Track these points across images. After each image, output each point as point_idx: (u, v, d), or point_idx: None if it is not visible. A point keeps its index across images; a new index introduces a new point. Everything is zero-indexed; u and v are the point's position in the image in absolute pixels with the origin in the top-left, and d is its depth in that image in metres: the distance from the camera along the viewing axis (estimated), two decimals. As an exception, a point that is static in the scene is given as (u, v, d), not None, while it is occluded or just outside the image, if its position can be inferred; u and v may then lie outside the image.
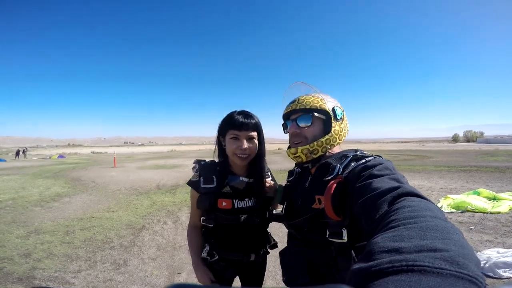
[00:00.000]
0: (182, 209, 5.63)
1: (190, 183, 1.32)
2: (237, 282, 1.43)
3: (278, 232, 3.86)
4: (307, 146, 1.01)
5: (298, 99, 1.06)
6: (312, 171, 1.08)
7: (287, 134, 1.16)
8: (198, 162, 1.37)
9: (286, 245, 1.20)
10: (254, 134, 1.25)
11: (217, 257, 1.26)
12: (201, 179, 1.27)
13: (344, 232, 0.84)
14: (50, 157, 26.48)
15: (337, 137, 1.03)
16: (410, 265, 0.29)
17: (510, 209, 4.84)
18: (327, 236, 0.88)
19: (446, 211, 4.98)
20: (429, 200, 0.53)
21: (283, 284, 1.15)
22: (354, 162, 0.90)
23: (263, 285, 2.39)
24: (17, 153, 28.73)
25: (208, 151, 37.49)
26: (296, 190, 1.14)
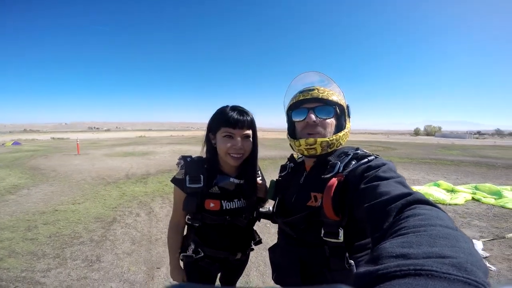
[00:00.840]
0: (155, 199, 5.44)
1: (175, 181, 1.24)
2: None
3: (260, 224, 3.86)
4: (327, 139, 0.96)
5: (318, 89, 1.00)
6: (308, 168, 1.05)
7: (288, 124, 1.11)
8: (184, 158, 1.28)
9: (269, 240, 1.19)
10: (249, 132, 1.18)
11: (202, 254, 1.23)
12: (187, 177, 1.19)
13: (341, 232, 0.83)
14: (3, 144, 24.14)
15: (348, 133, 1.02)
16: (417, 269, 0.29)
17: (465, 201, 5.30)
18: (322, 235, 0.86)
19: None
20: (440, 209, 0.53)
21: (270, 280, 1.16)
22: (355, 161, 0.88)
23: (248, 277, 2.44)
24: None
25: (181, 138, 36.49)
26: (289, 186, 1.11)
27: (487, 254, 3.09)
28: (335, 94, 1.01)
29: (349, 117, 1.04)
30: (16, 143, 24.86)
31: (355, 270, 0.81)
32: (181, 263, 1.33)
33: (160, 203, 5.19)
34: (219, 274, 1.43)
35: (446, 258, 0.32)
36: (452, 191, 5.99)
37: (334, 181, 0.83)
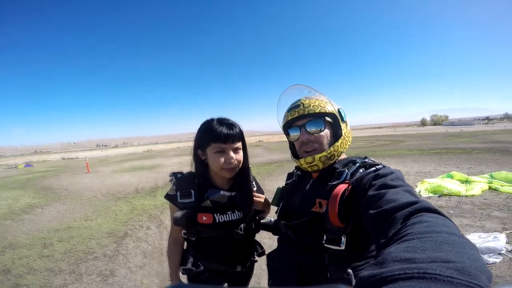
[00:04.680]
0: (164, 212, 5.47)
1: (168, 197, 1.24)
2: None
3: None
4: (325, 153, 0.95)
5: (303, 104, 0.98)
6: (314, 175, 1.04)
7: (289, 144, 1.11)
8: (174, 174, 1.28)
9: (272, 248, 1.17)
10: (239, 144, 1.18)
11: (202, 267, 1.22)
12: (178, 193, 1.19)
13: (343, 239, 0.81)
14: (16, 167, 24.69)
15: (347, 139, 0.99)
16: (421, 272, 0.30)
17: (482, 191, 5.05)
18: (323, 241, 0.85)
19: (424, 195, 5.16)
20: (446, 217, 0.53)
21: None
22: (363, 169, 0.88)
23: (259, 284, 2.41)
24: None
25: (187, 149, 36.71)
26: (294, 192, 1.10)
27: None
28: (321, 104, 0.97)
29: (343, 121, 1.00)
30: (27, 165, 25.37)
31: (353, 280, 0.81)
32: (182, 277, 1.32)
33: (169, 215, 5.19)
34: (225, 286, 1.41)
35: (451, 263, 0.32)
36: (466, 181, 5.75)
37: (341, 187, 0.83)
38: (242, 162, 1.20)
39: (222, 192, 1.22)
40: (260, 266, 2.83)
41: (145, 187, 8.59)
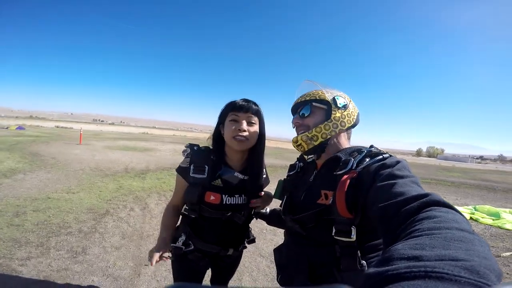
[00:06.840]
0: (151, 195, 5.34)
1: (179, 169, 1.22)
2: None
3: (254, 227, 3.74)
4: (306, 133, 1.00)
5: (304, 95, 1.08)
6: (319, 166, 1.04)
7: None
8: (191, 146, 1.25)
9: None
10: (255, 118, 1.19)
11: (192, 247, 1.21)
12: (192, 166, 1.17)
13: (353, 231, 0.79)
14: (7, 128, 24.24)
15: (338, 123, 0.99)
16: (428, 271, 0.29)
17: None
18: (333, 234, 0.83)
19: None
20: (457, 211, 0.51)
21: (276, 283, 1.11)
22: (369, 158, 0.85)
23: (241, 282, 2.39)
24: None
25: (183, 138, 36.49)
26: (297, 184, 1.11)
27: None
28: (315, 94, 1.04)
29: (338, 108, 1.01)
30: (20, 127, 24.97)
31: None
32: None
33: (156, 199, 5.09)
34: (209, 274, 1.40)
35: (459, 261, 0.31)
36: (451, 209, 5.97)
37: (346, 177, 0.81)
38: (255, 138, 1.20)
39: (235, 174, 1.21)
40: (244, 263, 2.80)
41: (136, 168, 8.41)
